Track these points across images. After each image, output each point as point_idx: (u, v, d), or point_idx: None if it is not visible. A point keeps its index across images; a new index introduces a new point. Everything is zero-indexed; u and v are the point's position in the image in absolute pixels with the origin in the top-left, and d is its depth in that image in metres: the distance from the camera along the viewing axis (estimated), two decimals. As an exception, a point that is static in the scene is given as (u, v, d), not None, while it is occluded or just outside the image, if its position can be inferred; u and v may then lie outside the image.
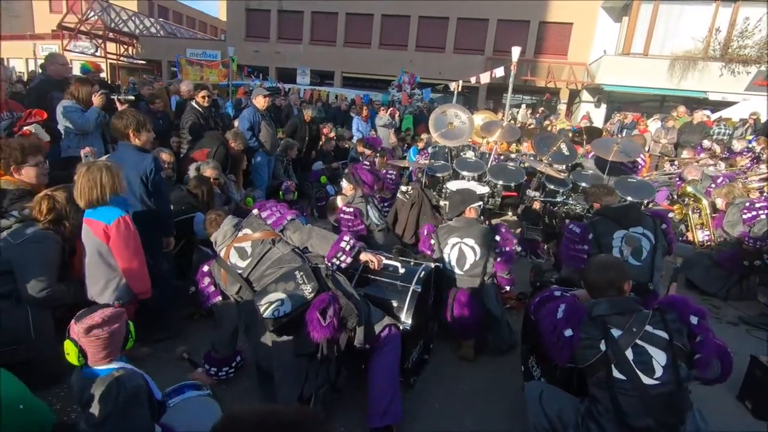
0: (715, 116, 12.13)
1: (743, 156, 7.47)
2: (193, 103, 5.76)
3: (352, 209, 4.19)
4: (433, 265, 3.14)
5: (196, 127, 5.52)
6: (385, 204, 5.53)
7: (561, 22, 19.07)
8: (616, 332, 1.88)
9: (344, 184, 4.55)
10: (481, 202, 3.65)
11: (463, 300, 3.21)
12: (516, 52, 9.14)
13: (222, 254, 2.67)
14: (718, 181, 5.85)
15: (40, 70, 6.49)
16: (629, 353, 1.84)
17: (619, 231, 3.08)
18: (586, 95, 18.68)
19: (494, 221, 5.65)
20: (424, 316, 3.03)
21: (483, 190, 5.13)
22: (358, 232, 4.29)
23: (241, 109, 7.35)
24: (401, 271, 2.87)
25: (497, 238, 3.32)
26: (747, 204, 4.55)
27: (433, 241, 3.42)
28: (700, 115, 9.64)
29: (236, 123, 6.68)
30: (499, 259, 3.32)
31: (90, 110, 4.06)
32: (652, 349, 1.85)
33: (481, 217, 3.81)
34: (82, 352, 1.78)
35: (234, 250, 2.63)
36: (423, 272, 2.98)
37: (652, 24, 16.36)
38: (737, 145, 8.29)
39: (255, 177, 6.05)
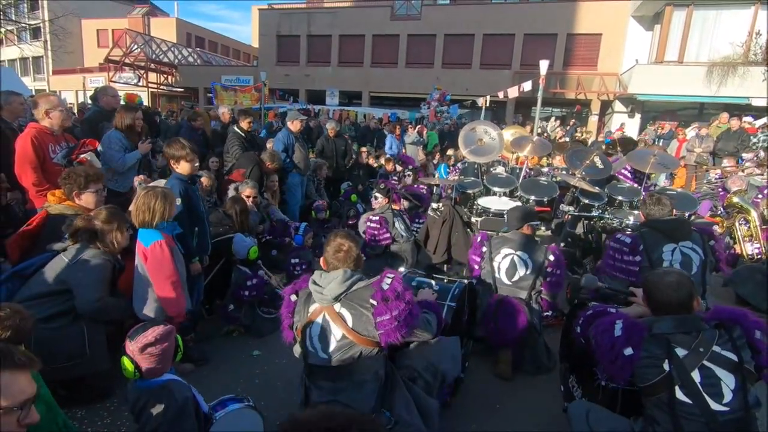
0: (759, 123, 11.58)
1: (792, 164, 7.08)
2: (236, 128, 6.03)
3: (377, 218, 4.25)
4: (466, 281, 3.14)
5: (241, 150, 5.79)
6: (419, 220, 5.56)
7: (589, 33, 18.84)
8: (680, 352, 1.79)
9: (378, 197, 4.62)
10: (539, 222, 3.65)
11: (510, 306, 3.21)
12: (544, 65, 9.07)
13: (311, 309, 2.14)
14: (765, 191, 5.56)
15: (90, 102, 6.97)
16: (696, 375, 1.76)
17: (669, 245, 3.00)
18: (618, 105, 18.25)
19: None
20: (459, 333, 3.02)
21: (514, 205, 5.07)
22: (383, 240, 4.31)
23: (273, 132, 7.62)
24: (435, 288, 2.88)
25: (551, 258, 3.32)
26: (800, 215, 4.31)
27: (484, 249, 3.44)
28: (736, 122, 9.22)
29: (268, 144, 6.96)
30: (548, 279, 3.33)
31: (131, 154, 4.09)
32: (720, 372, 1.76)
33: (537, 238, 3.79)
34: (137, 367, 1.91)
35: (322, 320, 2.10)
36: (457, 289, 2.99)
37: (686, 31, 15.91)
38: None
39: (289, 197, 6.23)
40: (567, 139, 11.04)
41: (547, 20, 19.16)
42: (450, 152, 9.47)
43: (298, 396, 2.31)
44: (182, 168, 3.19)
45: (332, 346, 2.07)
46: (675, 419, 1.75)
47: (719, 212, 6.11)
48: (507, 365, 3.22)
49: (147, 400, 1.93)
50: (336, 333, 2.06)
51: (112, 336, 2.71)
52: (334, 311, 2.06)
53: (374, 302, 2.00)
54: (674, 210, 4.37)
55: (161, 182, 3.46)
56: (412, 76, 21.05)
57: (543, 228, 6.20)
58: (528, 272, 3.29)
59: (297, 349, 2.31)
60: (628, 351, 1.85)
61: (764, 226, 5.16)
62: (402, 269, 3.58)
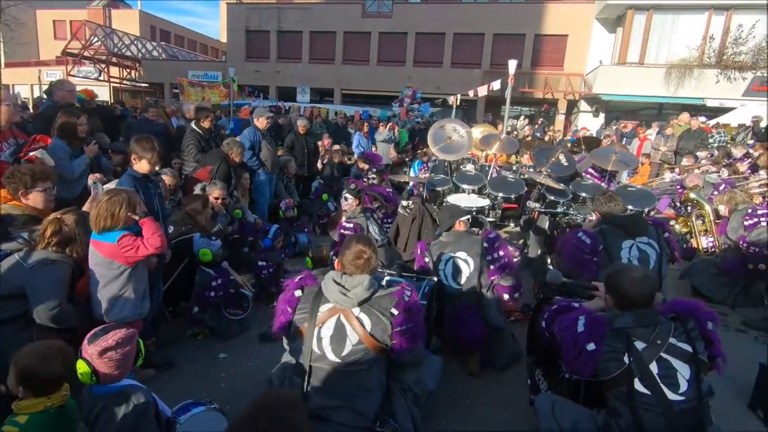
0: (713, 122, 12.20)
1: (743, 162, 7.47)
2: (193, 126, 5.85)
3: (352, 225, 4.22)
4: (435, 279, 3.15)
5: (197, 150, 5.61)
6: (388, 220, 5.56)
7: (556, 34, 19.33)
8: (639, 345, 1.85)
9: (348, 198, 4.59)
10: (469, 216, 3.63)
11: (463, 315, 3.18)
12: (512, 65, 9.25)
13: (322, 309, 2.10)
14: (720, 188, 5.85)
15: (45, 96, 6.62)
16: (654, 367, 1.82)
17: (627, 241, 3.11)
18: (584, 105, 18.83)
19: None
20: (427, 330, 3.02)
21: (483, 202, 5.14)
22: None
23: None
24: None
25: (485, 245, 3.27)
26: (749, 211, 4.54)
27: (427, 259, 3.37)
28: (696, 122, 9.70)
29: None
30: (492, 267, 3.26)
31: (78, 160, 3.87)
32: (676, 363, 1.83)
33: (476, 230, 3.78)
34: (94, 372, 1.82)
35: (336, 322, 2.08)
36: (427, 287, 2.99)
37: (647, 34, 16.57)
38: (736, 152, 8.30)
39: (257, 195, 6.10)
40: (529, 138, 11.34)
41: (516, 21, 19.54)
42: (423, 150, 9.53)
43: None
44: (140, 167, 3.07)
45: (346, 350, 2.05)
46: (634, 410, 1.81)
47: (680, 210, 6.38)
48: (476, 363, 3.25)
49: (103, 406, 1.84)
50: (352, 337, 2.05)
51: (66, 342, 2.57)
52: (352, 315, 2.05)
53: (395, 312, 2.05)
54: (630, 206, 4.54)
55: (114, 182, 3.31)
56: (383, 73, 21.04)
57: (512, 225, 6.33)
58: (472, 269, 3.23)
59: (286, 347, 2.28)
60: (591, 346, 1.90)
61: (717, 221, 5.42)
62: None
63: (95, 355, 1.81)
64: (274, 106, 14.87)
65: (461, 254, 3.27)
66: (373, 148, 9.84)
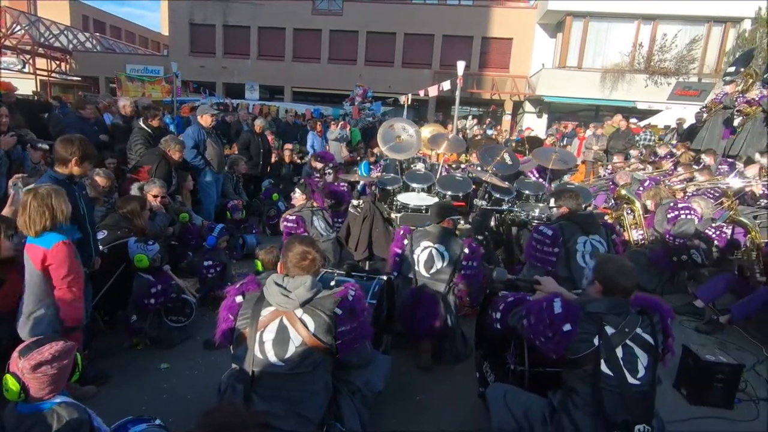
0: (643, 123, 13.17)
1: (666, 160, 8.12)
2: (141, 124, 5.52)
3: (294, 217, 4.19)
4: (385, 277, 3.17)
5: (145, 148, 5.31)
6: (339, 220, 5.52)
7: (501, 37, 20.06)
8: (609, 330, 1.98)
9: (297, 193, 4.55)
10: (460, 216, 3.76)
11: (425, 302, 3.27)
12: (461, 66, 9.53)
13: (264, 313, 2.06)
14: (645, 184, 6.31)
15: (-44, 90, 5.96)
16: (619, 351, 1.96)
17: (582, 237, 3.30)
18: (528, 106, 19.69)
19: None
20: (378, 329, 3.04)
21: (432, 201, 5.23)
22: None
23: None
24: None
25: (466, 251, 3.42)
26: (671, 204, 4.94)
27: (406, 241, 3.49)
28: (624, 123, 10.48)
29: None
30: (463, 272, 3.42)
31: None
32: (638, 351, 1.98)
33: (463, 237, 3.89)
34: (23, 388, 1.68)
35: (279, 325, 2.04)
36: (377, 286, 3.00)
37: (584, 39, 17.60)
38: (660, 150, 9.00)
39: (203, 196, 5.85)
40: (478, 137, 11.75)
41: (464, 23, 20.06)
42: (372, 150, 9.57)
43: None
44: (69, 170, 2.74)
45: (289, 352, 2.01)
46: (596, 389, 1.95)
47: (611, 204, 6.84)
48: (428, 356, 3.31)
49: (31, 425, 1.70)
50: (295, 339, 2.01)
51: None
52: (295, 316, 2.02)
53: (339, 311, 2.04)
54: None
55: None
56: (335, 72, 20.89)
57: (462, 221, 6.48)
58: (445, 265, 3.37)
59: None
60: (567, 327, 2.00)
61: (646, 215, 5.84)
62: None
63: (27, 369, 1.66)
64: (221, 104, 14.33)
65: (440, 247, 3.39)
66: (326, 147, 9.76)
